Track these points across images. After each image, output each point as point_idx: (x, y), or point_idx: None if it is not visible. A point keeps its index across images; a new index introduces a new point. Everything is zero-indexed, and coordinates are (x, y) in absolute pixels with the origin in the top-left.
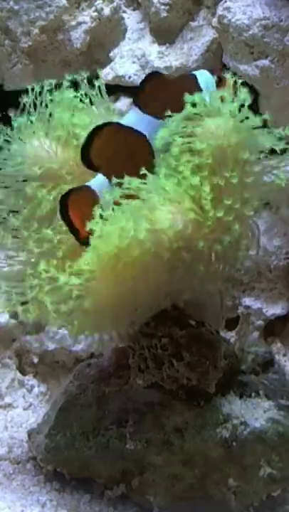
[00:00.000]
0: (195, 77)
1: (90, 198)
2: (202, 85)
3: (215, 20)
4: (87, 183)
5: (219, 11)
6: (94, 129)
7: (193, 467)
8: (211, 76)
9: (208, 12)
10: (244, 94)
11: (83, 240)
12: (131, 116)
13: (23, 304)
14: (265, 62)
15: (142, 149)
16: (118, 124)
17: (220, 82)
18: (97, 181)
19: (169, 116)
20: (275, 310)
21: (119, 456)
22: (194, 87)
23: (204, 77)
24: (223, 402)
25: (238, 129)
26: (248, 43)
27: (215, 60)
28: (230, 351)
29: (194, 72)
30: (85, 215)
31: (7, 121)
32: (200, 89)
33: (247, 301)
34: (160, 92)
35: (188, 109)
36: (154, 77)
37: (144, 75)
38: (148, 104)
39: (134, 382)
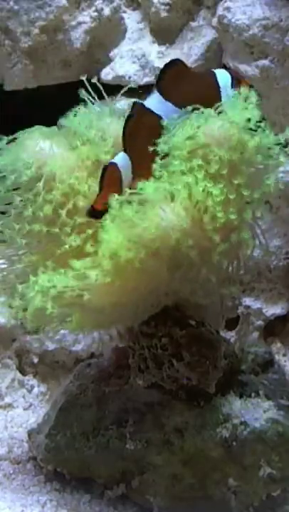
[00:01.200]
0: (214, 74)
1: (117, 173)
2: (220, 83)
3: (215, 20)
4: (113, 160)
5: (219, 11)
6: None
7: (193, 467)
8: (229, 76)
9: (208, 12)
10: (251, 94)
11: (93, 211)
12: (153, 99)
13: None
14: (265, 62)
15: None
16: (142, 104)
17: (238, 83)
18: (121, 158)
19: (196, 108)
20: (274, 310)
21: (119, 456)
22: (213, 82)
23: (223, 76)
24: (223, 402)
25: (245, 133)
26: (248, 43)
27: (215, 60)
28: (230, 351)
29: (213, 70)
30: (111, 187)
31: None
32: (218, 86)
33: (247, 301)
34: (180, 81)
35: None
36: (174, 65)
37: (165, 63)
38: (169, 91)
39: (134, 382)
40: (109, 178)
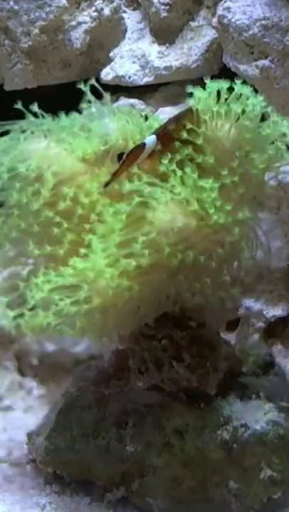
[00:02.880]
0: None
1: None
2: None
3: (215, 20)
4: (144, 141)
5: (219, 11)
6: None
7: (193, 469)
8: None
9: (208, 12)
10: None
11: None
12: None
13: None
14: (265, 62)
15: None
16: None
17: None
18: (150, 140)
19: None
20: (275, 312)
21: (119, 459)
22: None
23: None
24: (224, 404)
25: (243, 129)
26: (248, 43)
27: (215, 60)
28: (230, 353)
29: None
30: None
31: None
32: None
33: (247, 302)
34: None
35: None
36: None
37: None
38: None
39: (134, 384)
40: (132, 156)
